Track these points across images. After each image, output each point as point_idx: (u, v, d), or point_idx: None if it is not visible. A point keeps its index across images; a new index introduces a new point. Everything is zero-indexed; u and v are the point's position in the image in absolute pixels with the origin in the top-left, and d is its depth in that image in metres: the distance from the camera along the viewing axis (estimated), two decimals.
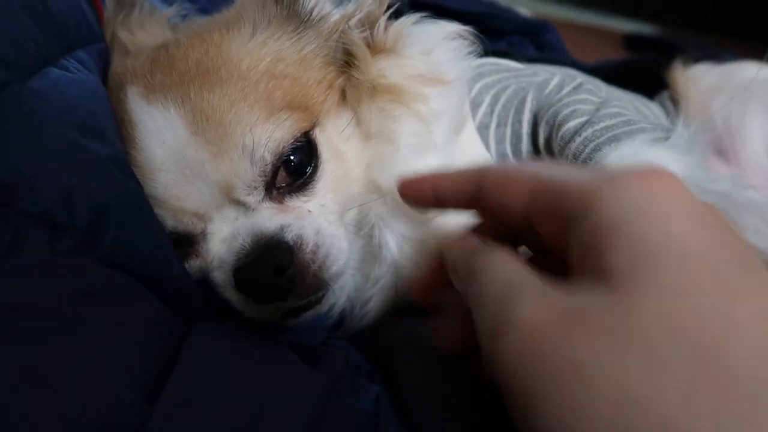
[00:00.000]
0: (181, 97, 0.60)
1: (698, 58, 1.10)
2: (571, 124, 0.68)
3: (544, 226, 0.41)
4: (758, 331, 0.30)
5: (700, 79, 1.05)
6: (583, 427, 0.30)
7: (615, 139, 0.64)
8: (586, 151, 0.64)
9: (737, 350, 0.29)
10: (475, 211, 0.50)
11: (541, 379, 0.32)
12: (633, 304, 0.31)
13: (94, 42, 0.67)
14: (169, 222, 0.61)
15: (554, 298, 0.35)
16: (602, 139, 0.64)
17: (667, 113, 1.07)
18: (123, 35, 0.74)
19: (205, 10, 0.93)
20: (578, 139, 0.66)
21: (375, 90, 0.66)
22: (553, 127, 0.70)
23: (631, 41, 2.89)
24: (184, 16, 0.87)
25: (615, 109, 0.68)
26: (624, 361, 0.30)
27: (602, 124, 0.66)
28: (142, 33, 0.75)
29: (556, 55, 1.42)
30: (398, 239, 0.69)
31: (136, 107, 0.62)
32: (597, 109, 0.68)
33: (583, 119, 0.67)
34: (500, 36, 1.45)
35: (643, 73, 1.27)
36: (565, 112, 0.69)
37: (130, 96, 0.62)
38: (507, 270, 0.40)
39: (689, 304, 0.31)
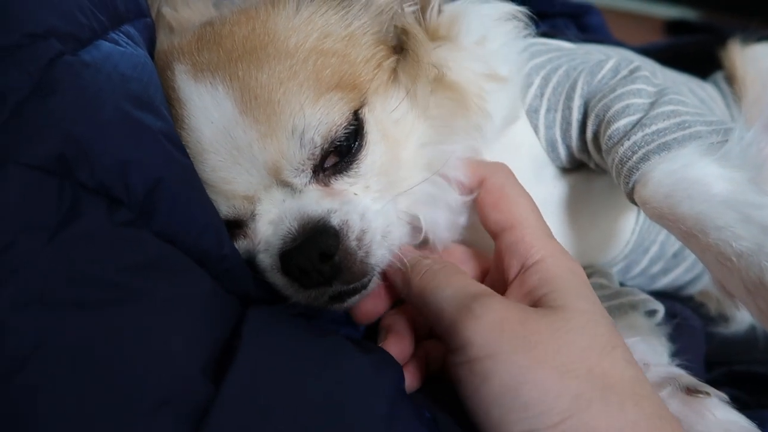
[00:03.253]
0: (229, 75, 0.59)
1: (760, 38, 1.05)
2: (621, 123, 0.64)
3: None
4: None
5: (761, 60, 1.00)
6: (529, 378, 0.47)
7: (665, 147, 0.60)
8: (634, 159, 0.61)
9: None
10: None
11: (504, 346, 0.49)
12: (563, 324, 0.51)
13: (140, 17, 0.66)
14: (222, 207, 0.61)
15: (513, 304, 0.53)
16: (652, 146, 0.61)
17: (723, 95, 1.02)
18: (167, 12, 0.73)
19: None
20: (627, 144, 0.62)
21: (439, 78, 0.65)
22: (602, 123, 0.67)
23: (673, 27, 2.81)
24: None
25: (670, 107, 0.64)
26: (559, 347, 0.49)
27: (654, 127, 0.62)
28: (186, 10, 0.74)
29: (600, 38, 1.38)
30: (447, 223, 0.68)
31: (183, 86, 0.61)
32: (652, 104, 0.64)
33: (634, 118, 0.64)
34: (543, 18, 1.41)
35: (691, 54, 1.23)
36: (617, 107, 0.65)
37: (177, 74, 0.62)
38: (465, 283, 0.56)
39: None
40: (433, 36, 0.66)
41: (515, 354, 0.48)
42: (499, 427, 0.47)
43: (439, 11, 0.67)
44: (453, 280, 0.56)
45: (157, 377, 0.43)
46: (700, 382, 0.59)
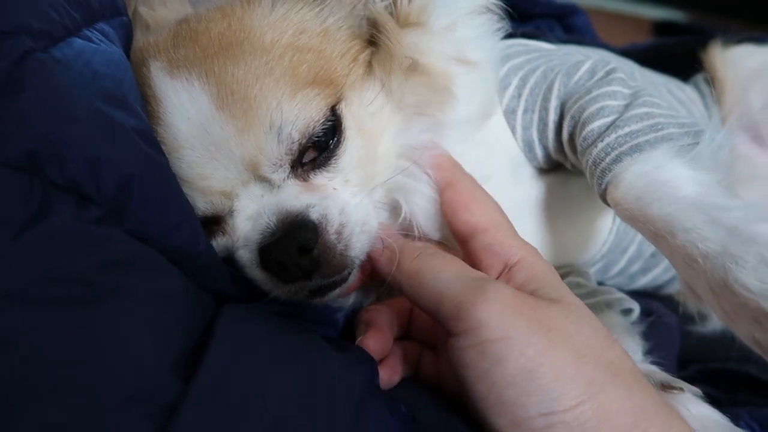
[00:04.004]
0: (205, 71, 0.59)
1: (740, 40, 1.06)
2: (596, 125, 0.65)
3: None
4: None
5: (740, 62, 1.02)
6: (546, 360, 0.48)
7: (637, 149, 0.61)
8: (607, 160, 0.62)
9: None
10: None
11: (520, 328, 0.49)
12: (569, 313, 0.52)
13: (115, 15, 0.66)
14: (200, 204, 0.61)
15: (519, 291, 0.53)
16: (624, 148, 0.62)
17: (703, 96, 1.03)
18: (144, 10, 0.73)
19: None
20: (600, 145, 0.63)
21: (413, 65, 0.65)
22: (578, 124, 0.67)
23: (661, 28, 2.83)
24: None
25: (644, 109, 0.64)
26: (571, 334, 0.50)
27: (627, 129, 0.63)
28: (162, 8, 0.74)
29: (585, 39, 1.39)
30: (425, 208, 0.68)
31: (159, 82, 0.61)
32: (626, 106, 0.65)
33: (608, 119, 0.64)
34: (527, 18, 1.42)
35: (674, 55, 1.23)
36: (591, 109, 0.66)
37: (153, 71, 0.62)
38: (465, 268, 0.55)
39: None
40: (404, 23, 0.66)
41: (533, 336, 0.48)
42: (512, 410, 0.47)
43: (410, 1, 0.67)
44: (452, 264, 0.56)
45: (126, 375, 0.43)
46: (674, 378, 0.60)
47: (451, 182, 0.64)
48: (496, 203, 0.63)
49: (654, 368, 0.62)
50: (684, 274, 0.56)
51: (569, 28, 1.52)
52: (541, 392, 0.47)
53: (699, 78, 1.08)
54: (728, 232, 0.52)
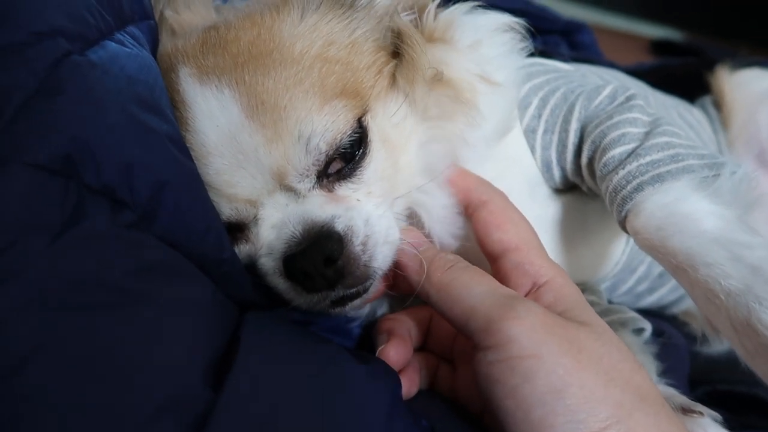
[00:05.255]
0: (235, 80, 0.59)
1: (750, 63, 1.07)
2: (617, 151, 0.65)
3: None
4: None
5: (748, 85, 1.03)
6: (575, 381, 0.48)
7: (659, 179, 0.61)
8: (628, 188, 0.62)
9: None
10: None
11: (551, 347, 0.49)
12: (598, 336, 0.52)
13: (144, 19, 0.66)
14: (225, 210, 0.61)
15: (549, 311, 0.53)
16: (646, 177, 0.62)
17: (710, 119, 1.05)
18: (169, 15, 0.73)
19: None
20: (621, 173, 0.63)
21: (437, 76, 0.65)
22: (598, 149, 0.68)
23: (658, 46, 2.87)
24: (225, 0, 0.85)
25: (664, 138, 0.65)
26: (601, 356, 0.51)
27: (648, 158, 0.63)
28: (187, 13, 0.74)
29: (590, 56, 1.40)
30: (445, 224, 0.68)
31: (189, 89, 0.61)
32: (646, 134, 0.66)
33: (629, 147, 0.65)
34: (534, 35, 1.43)
35: (678, 76, 1.25)
36: (613, 135, 0.66)
37: (182, 77, 0.62)
38: (497, 284, 0.55)
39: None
40: (429, 39, 0.67)
41: (563, 357, 0.49)
42: (539, 429, 0.47)
43: (435, 17, 0.68)
44: (484, 279, 0.56)
45: (159, 383, 0.43)
46: (694, 402, 0.60)
47: (484, 202, 0.64)
48: (527, 222, 0.63)
49: (673, 391, 0.62)
50: (704, 308, 0.56)
51: (575, 44, 1.53)
52: (569, 413, 0.47)
53: (706, 100, 1.09)
54: (751, 270, 0.52)
